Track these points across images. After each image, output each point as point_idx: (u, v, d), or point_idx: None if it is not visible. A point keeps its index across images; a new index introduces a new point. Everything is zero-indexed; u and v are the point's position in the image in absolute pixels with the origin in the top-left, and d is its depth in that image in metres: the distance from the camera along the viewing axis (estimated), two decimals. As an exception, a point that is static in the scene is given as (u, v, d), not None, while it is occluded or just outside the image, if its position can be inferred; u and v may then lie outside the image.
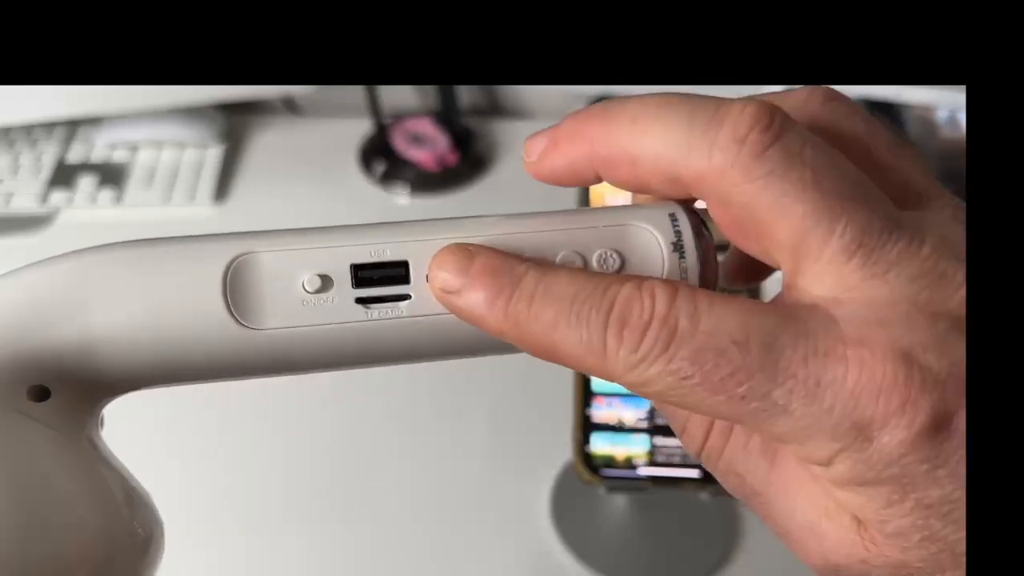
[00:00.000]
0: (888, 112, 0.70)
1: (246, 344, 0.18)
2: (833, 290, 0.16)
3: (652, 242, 0.19)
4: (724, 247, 0.21)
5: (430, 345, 0.19)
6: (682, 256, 0.19)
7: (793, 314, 0.16)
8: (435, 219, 0.20)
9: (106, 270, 0.18)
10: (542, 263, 0.18)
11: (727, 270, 0.22)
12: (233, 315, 0.18)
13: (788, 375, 0.16)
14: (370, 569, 0.54)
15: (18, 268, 0.18)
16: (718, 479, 0.20)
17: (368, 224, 0.20)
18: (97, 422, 0.20)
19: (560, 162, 0.20)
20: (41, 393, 0.18)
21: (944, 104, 0.65)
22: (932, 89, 0.62)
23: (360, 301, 0.19)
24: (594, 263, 0.19)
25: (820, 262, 0.16)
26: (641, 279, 0.17)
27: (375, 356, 0.19)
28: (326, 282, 0.19)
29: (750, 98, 0.17)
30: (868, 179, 0.17)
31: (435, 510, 0.57)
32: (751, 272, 0.22)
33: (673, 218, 0.20)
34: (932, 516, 0.15)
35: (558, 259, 0.19)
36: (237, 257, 0.19)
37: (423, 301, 0.19)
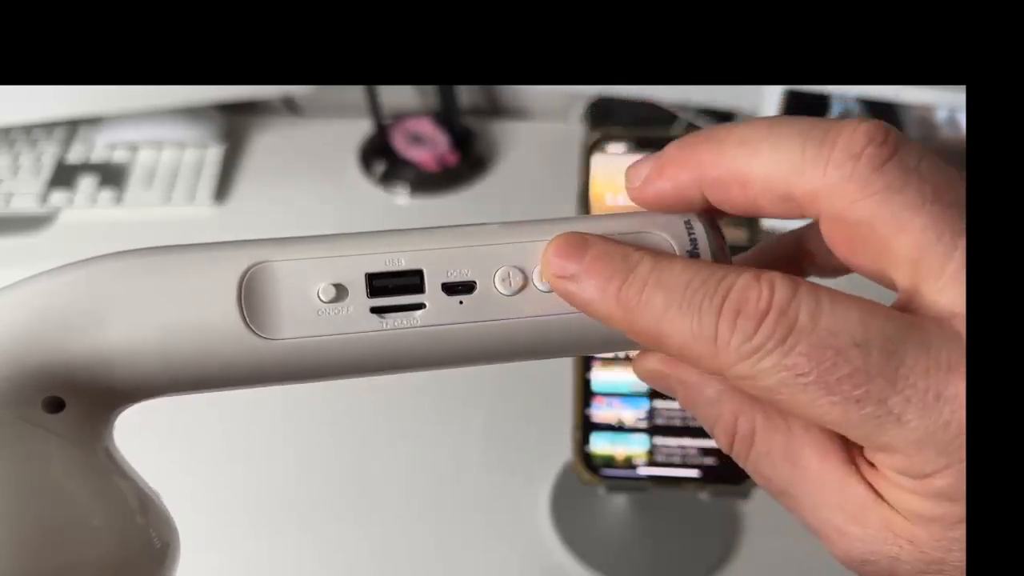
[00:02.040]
0: (888, 112, 0.70)
1: (261, 354, 0.18)
2: (956, 305, 0.16)
3: (668, 249, 0.19)
4: (735, 250, 0.21)
5: (444, 354, 0.19)
6: None
7: (917, 324, 0.16)
8: (446, 226, 0.20)
9: (119, 280, 0.18)
10: (658, 253, 0.18)
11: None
12: (248, 325, 0.18)
13: (907, 384, 0.15)
14: (371, 569, 0.54)
15: (27, 277, 0.18)
16: (750, 476, 0.20)
17: (381, 231, 0.20)
18: (111, 431, 0.19)
19: (666, 186, 0.20)
20: (56, 404, 0.18)
21: (944, 104, 0.65)
22: (932, 89, 0.62)
23: (375, 311, 0.19)
24: None
25: (943, 277, 0.16)
26: (760, 270, 0.17)
27: (389, 365, 0.19)
28: (341, 291, 0.19)
29: (862, 117, 0.17)
30: None
31: (435, 510, 0.57)
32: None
33: (688, 225, 0.20)
34: None
35: None
36: (252, 267, 0.18)
37: (437, 310, 0.19)
